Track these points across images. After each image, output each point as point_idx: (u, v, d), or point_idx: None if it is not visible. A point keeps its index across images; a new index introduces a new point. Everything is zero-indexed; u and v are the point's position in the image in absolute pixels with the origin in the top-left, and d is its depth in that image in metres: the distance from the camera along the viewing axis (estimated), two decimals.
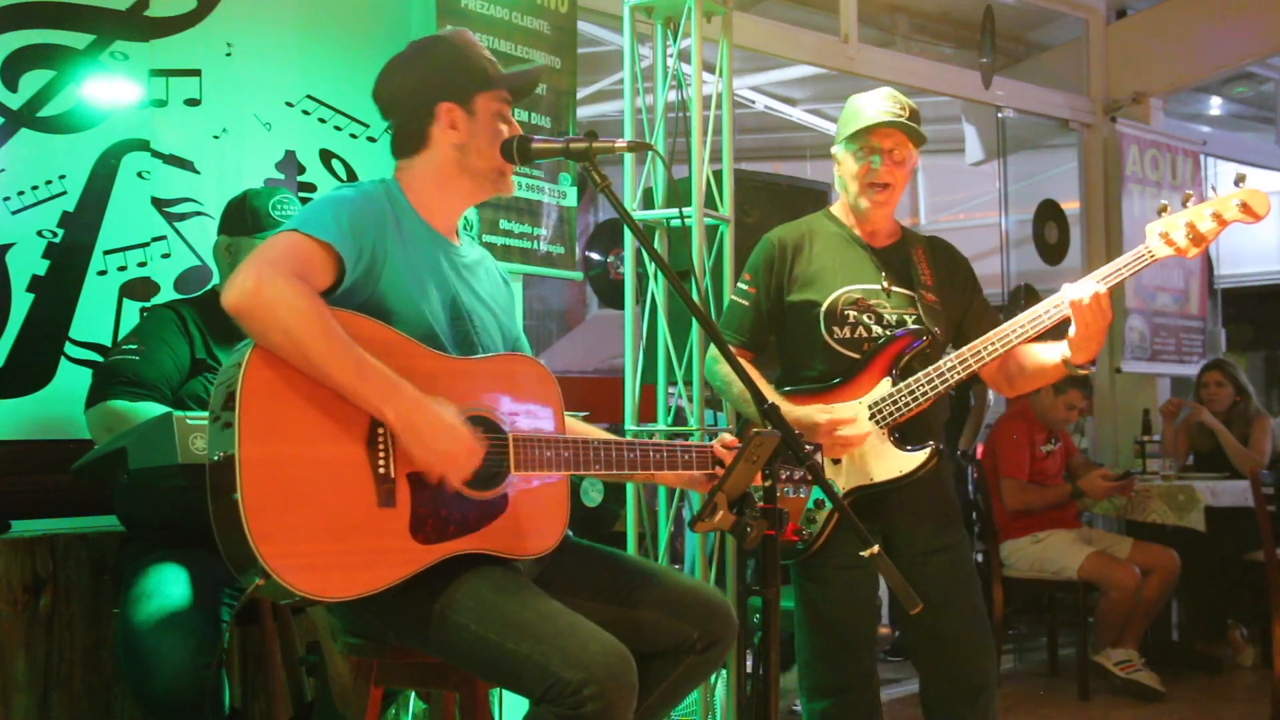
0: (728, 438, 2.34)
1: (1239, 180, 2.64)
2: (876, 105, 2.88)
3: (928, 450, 2.79)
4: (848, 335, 2.85)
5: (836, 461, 2.79)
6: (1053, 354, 2.75)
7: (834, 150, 2.98)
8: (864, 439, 2.76)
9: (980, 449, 5.64)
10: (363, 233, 2.02)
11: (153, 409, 2.57)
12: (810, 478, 2.12)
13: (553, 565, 2.21)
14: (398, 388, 1.92)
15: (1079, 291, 2.63)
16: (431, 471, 1.95)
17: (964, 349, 2.77)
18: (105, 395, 2.65)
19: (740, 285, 2.97)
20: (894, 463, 2.79)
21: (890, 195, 2.88)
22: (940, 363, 2.78)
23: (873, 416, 2.79)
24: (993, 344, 2.74)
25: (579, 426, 2.36)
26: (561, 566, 2.22)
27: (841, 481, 2.79)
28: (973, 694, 2.84)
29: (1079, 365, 2.69)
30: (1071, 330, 2.66)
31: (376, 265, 2.04)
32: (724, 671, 3.61)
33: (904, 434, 2.81)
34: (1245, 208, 2.60)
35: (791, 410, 2.74)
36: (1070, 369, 2.72)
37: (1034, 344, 2.79)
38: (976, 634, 2.86)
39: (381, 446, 1.93)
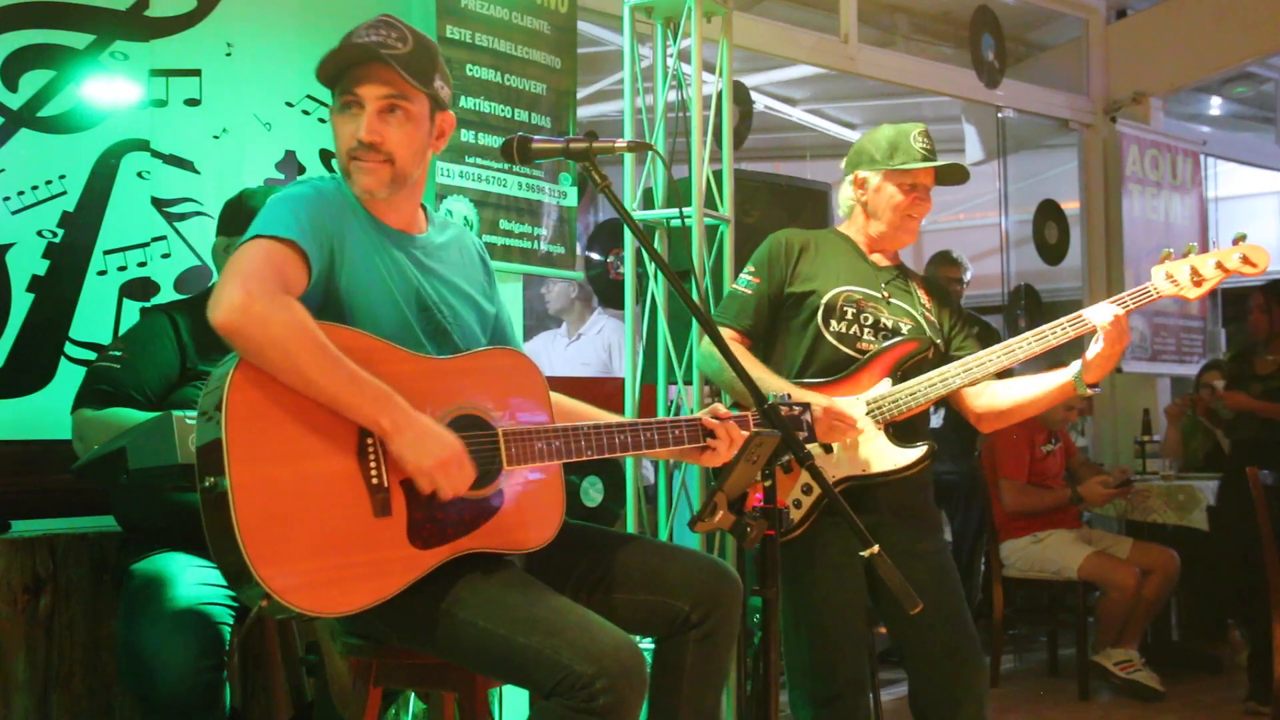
0: (720, 408, 2.30)
1: (1237, 239, 2.81)
2: (922, 143, 2.95)
3: (924, 448, 2.83)
4: (843, 330, 2.89)
5: (829, 450, 2.81)
6: (1061, 376, 2.81)
7: (864, 174, 2.99)
8: (858, 429, 2.77)
9: None
10: (320, 227, 2.00)
11: (124, 414, 2.57)
12: (808, 472, 2.11)
13: (531, 561, 2.16)
14: (391, 398, 1.90)
15: (1102, 315, 2.71)
16: (426, 481, 1.93)
17: (969, 357, 2.83)
18: (80, 402, 2.66)
19: (743, 277, 2.99)
20: (890, 456, 2.82)
21: (917, 227, 3.03)
22: (945, 368, 2.84)
23: (870, 412, 2.83)
24: (998, 355, 2.80)
25: (569, 406, 2.31)
26: (540, 561, 2.16)
27: (833, 470, 2.82)
28: (958, 704, 2.83)
29: (1090, 385, 2.77)
30: (1095, 351, 2.73)
31: (335, 258, 2.02)
32: None
33: (897, 432, 2.84)
34: (1246, 259, 2.78)
35: (789, 391, 2.74)
36: (1081, 389, 2.78)
37: (1030, 376, 2.89)
38: (964, 644, 2.85)
39: (373, 456, 1.92)
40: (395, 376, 1.94)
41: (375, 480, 1.91)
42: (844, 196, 3.07)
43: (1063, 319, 2.78)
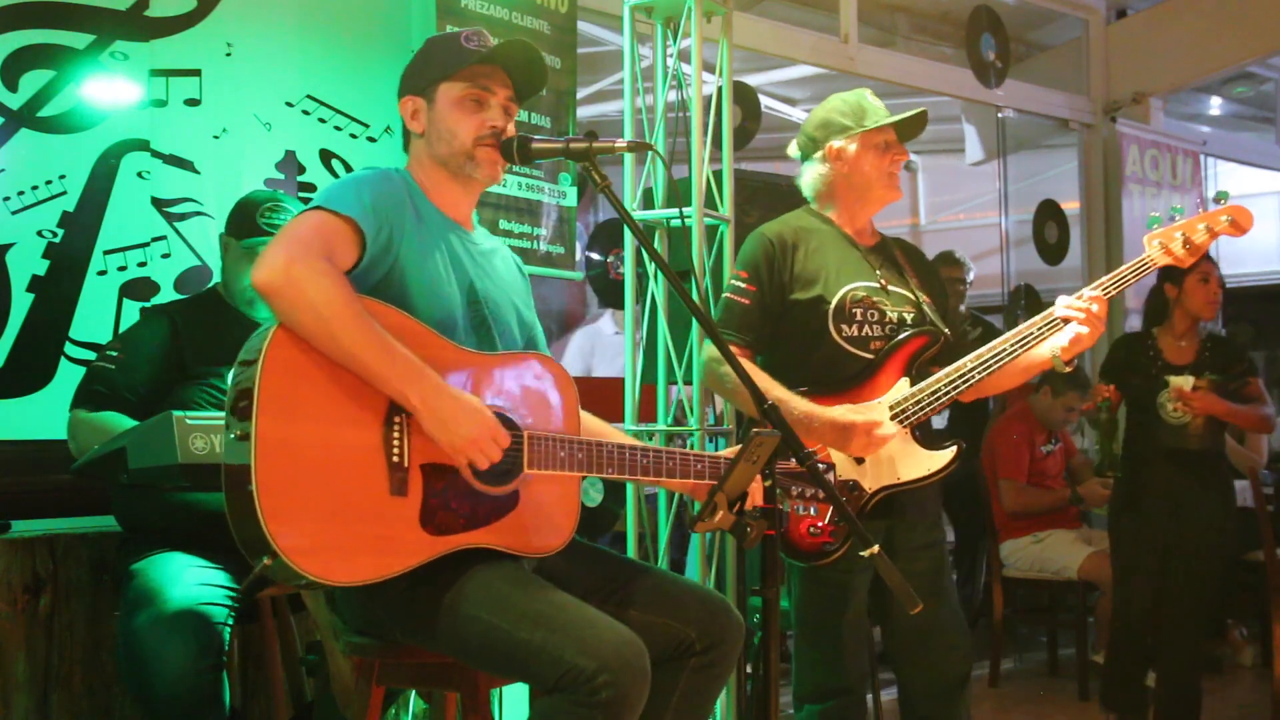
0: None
1: (1219, 198, 2.88)
2: (880, 103, 2.93)
3: (954, 449, 2.79)
4: (855, 334, 2.83)
5: (860, 462, 2.77)
6: (1041, 352, 2.80)
7: (839, 144, 2.88)
8: (892, 438, 2.74)
9: None
10: (381, 209, 2.05)
11: (115, 420, 2.58)
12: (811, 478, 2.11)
13: (543, 565, 2.19)
14: (423, 373, 1.93)
15: (1084, 301, 2.73)
16: (457, 456, 1.95)
17: (983, 350, 2.79)
18: (77, 401, 2.67)
19: (736, 283, 2.89)
20: (922, 461, 2.78)
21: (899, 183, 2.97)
22: (961, 363, 2.79)
23: (894, 416, 2.77)
24: (1011, 344, 2.78)
25: (596, 425, 2.34)
26: (553, 566, 2.19)
27: (868, 482, 2.77)
28: (954, 688, 2.86)
29: (1067, 361, 2.78)
30: (1075, 333, 2.73)
31: (394, 241, 2.06)
32: None
33: (921, 432, 2.81)
34: (1234, 223, 2.85)
35: (821, 412, 2.71)
36: (1059, 365, 2.79)
37: None
38: (957, 629, 2.89)
39: (397, 435, 1.94)
40: (431, 362, 1.96)
41: (396, 459, 1.93)
42: (815, 175, 2.93)
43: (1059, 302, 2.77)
